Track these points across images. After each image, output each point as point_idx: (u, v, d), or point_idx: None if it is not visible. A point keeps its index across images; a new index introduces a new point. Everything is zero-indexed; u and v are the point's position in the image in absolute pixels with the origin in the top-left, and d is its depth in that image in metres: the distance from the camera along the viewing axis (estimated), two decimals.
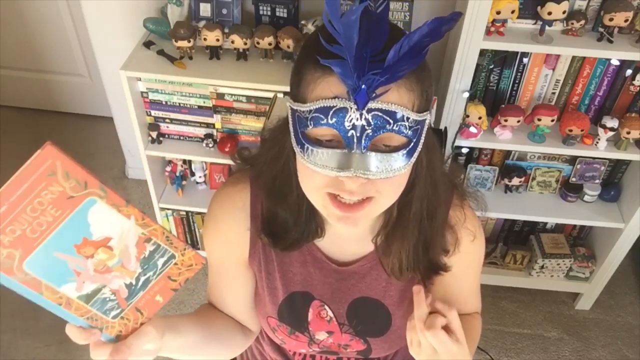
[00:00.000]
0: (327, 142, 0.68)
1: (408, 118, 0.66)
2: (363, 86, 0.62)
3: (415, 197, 0.78)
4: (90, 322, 0.69)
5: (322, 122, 0.65)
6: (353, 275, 0.91)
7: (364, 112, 0.64)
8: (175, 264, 0.69)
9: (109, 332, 0.70)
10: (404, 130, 0.66)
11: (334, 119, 0.65)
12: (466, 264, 0.91)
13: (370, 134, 0.65)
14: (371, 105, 0.63)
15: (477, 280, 0.99)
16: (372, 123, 0.64)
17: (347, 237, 0.88)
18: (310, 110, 0.66)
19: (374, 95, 0.63)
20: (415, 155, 0.69)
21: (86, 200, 0.60)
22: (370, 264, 0.89)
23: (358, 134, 0.65)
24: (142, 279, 0.68)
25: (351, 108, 0.64)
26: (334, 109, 0.64)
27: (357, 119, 0.64)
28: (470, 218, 0.88)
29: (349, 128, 0.65)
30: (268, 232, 0.85)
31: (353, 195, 0.69)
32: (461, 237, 0.87)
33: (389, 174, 0.67)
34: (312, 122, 0.66)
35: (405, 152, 0.68)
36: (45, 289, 0.64)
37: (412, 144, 0.68)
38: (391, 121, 0.65)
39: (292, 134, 0.70)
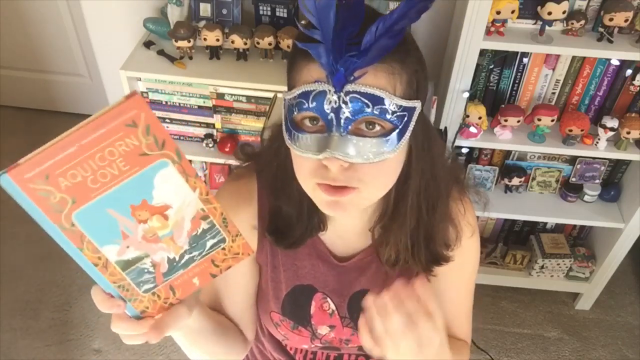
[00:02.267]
0: (312, 126, 0.69)
1: (390, 103, 0.66)
2: (341, 69, 0.63)
3: (412, 189, 0.77)
4: (119, 291, 0.64)
5: (304, 106, 0.67)
6: (354, 269, 0.91)
7: (341, 94, 0.65)
8: (223, 248, 0.65)
9: (135, 305, 0.65)
10: (387, 116, 0.66)
11: (314, 103, 0.66)
12: (458, 266, 0.89)
13: (350, 117, 0.66)
14: (349, 87, 0.64)
15: (468, 295, 0.97)
16: (351, 106, 0.65)
17: (348, 230, 0.88)
18: (295, 97, 0.68)
19: (352, 78, 0.64)
20: (402, 143, 0.68)
21: (158, 161, 0.56)
22: (371, 257, 0.90)
23: (337, 117, 0.66)
24: (187, 257, 0.64)
25: (329, 91, 0.65)
26: (314, 93, 0.66)
27: (335, 102, 0.65)
28: (470, 211, 0.89)
29: (328, 111, 0.66)
30: (273, 230, 0.85)
31: (336, 182, 0.69)
32: (462, 231, 0.86)
33: (372, 159, 0.67)
34: (296, 108, 0.68)
35: (390, 137, 0.67)
36: (87, 245, 0.58)
37: (398, 130, 0.68)
38: (370, 104, 0.65)
39: (283, 124, 0.72)
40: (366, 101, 0.65)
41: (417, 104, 0.69)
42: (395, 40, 0.63)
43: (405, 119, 0.68)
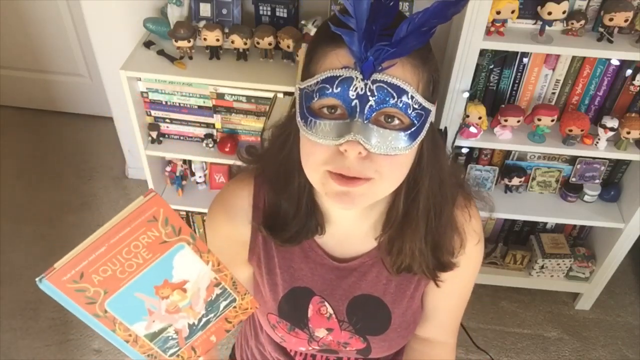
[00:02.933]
0: (332, 115, 0.68)
1: (412, 97, 0.67)
2: (370, 57, 0.63)
3: (422, 193, 0.78)
4: (149, 359, 0.73)
5: (328, 91, 0.67)
6: (354, 273, 0.91)
7: (368, 82, 0.65)
8: (234, 307, 0.74)
9: None
10: (408, 110, 0.67)
11: (339, 88, 0.66)
12: (459, 273, 0.89)
13: (374, 105, 0.66)
14: (376, 76, 0.65)
15: (464, 301, 0.98)
16: (376, 94, 0.65)
17: (349, 232, 0.88)
18: (317, 82, 0.67)
19: (380, 67, 0.64)
20: (418, 140, 0.70)
21: (176, 245, 0.64)
22: (372, 261, 0.89)
23: (361, 104, 0.66)
24: (204, 320, 0.72)
25: (356, 77, 0.65)
26: (340, 79, 0.66)
27: (362, 89, 0.65)
28: (476, 218, 0.88)
29: (352, 98, 0.66)
30: (268, 224, 0.86)
31: (350, 172, 0.69)
32: (466, 238, 0.86)
33: (389, 151, 0.68)
34: (317, 94, 0.68)
35: (407, 133, 0.68)
36: (118, 326, 0.67)
37: (415, 127, 0.69)
38: (395, 96, 0.66)
39: (297, 113, 0.71)
40: (392, 92, 0.66)
41: (433, 107, 0.71)
42: (426, 38, 0.65)
43: (423, 118, 0.69)
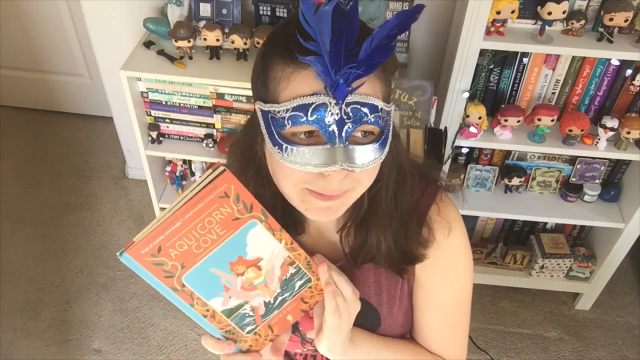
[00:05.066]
0: (306, 138, 0.67)
1: (381, 109, 0.68)
2: (341, 80, 0.63)
3: (384, 184, 0.78)
4: (227, 335, 0.75)
5: (302, 120, 0.65)
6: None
7: (342, 106, 0.65)
8: (310, 287, 0.75)
9: (241, 345, 0.76)
10: (379, 122, 0.68)
11: (315, 116, 0.65)
12: (441, 273, 0.86)
13: (350, 127, 0.66)
14: (349, 98, 0.65)
15: (455, 309, 0.89)
16: (352, 116, 0.65)
17: (324, 232, 0.87)
18: (287, 110, 0.66)
19: (350, 88, 0.64)
20: (388, 144, 0.71)
21: (249, 222, 0.66)
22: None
23: (339, 128, 0.65)
24: (280, 298, 0.74)
25: (330, 103, 0.64)
26: (313, 106, 0.64)
27: (337, 114, 0.65)
28: (447, 210, 0.85)
29: (329, 123, 0.65)
30: None
31: (333, 191, 0.69)
32: (435, 228, 0.83)
33: (370, 165, 0.69)
34: (290, 121, 0.66)
35: (380, 142, 0.69)
36: (196, 301, 0.69)
37: (384, 134, 0.70)
38: (368, 112, 0.66)
39: (266, 136, 0.69)
40: (364, 110, 0.66)
41: (393, 107, 0.72)
42: (390, 52, 0.65)
43: (389, 122, 0.71)
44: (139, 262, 0.63)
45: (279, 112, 0.66)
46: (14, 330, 2.01)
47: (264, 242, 0.68)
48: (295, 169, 0.68)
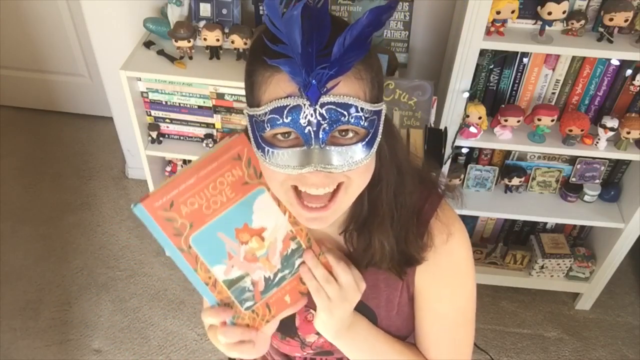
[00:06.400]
0: (285, 140, 0.67)
1: (362, 109, 0.66)
2: (313, 81, 0.62)
3: (384, 186, 0.78)
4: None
5: (278, 122, 0.65)
6: None
7: (317, 107, 0.64)
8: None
9: (237, 323, 0.76)
10: (360, 122, 0.66)
11: (289, 118, 0.65)
12: (439, 278, 0.85)
13: (327, 128, 0.65)
14: (324, 99, 0.64)
15: (457, 318, 0.88)
16: (327, 117, 0.65)
17: (331, 234, 0.86)
18: (265, 113, 0.66)
19: (325, 89, 0.63)
20: (375, 145, 0.69)
21: (257, 188, 0.68)
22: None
23: (315, 130, 0.65)
24: (279, 275, 0.74)
25: (304, 105, 0.64)
26: (287, 108, 0.64)
27: (312, 115, 0.64)
28: (446, 215, 0.84)
29: (304, 125, 0.65)
30: None
31: (318, 187, 0.69)
32: (434, 233, 0.83)
33: (351, 167, 0.68)
34: (268, 124, 0.66)
35: (364, 143, 0.68)
36: (200, 265, 0.69)
37: (370, 134, 0.68)
38: (345, 113, 0.65)
39: (252, 140, 0.70)
40: (341, 110, 0.65)
41: (383, 106, 0.70)
42: (365, 49, 0.63)
43: (376, 122, 0.69)
44: (151, 215, 0.64)
45: (259, 115, 0.67)
46: (14, 330, 2.01)
47: (270, 212, 0.70)
48: (277, 172, 0.68)
